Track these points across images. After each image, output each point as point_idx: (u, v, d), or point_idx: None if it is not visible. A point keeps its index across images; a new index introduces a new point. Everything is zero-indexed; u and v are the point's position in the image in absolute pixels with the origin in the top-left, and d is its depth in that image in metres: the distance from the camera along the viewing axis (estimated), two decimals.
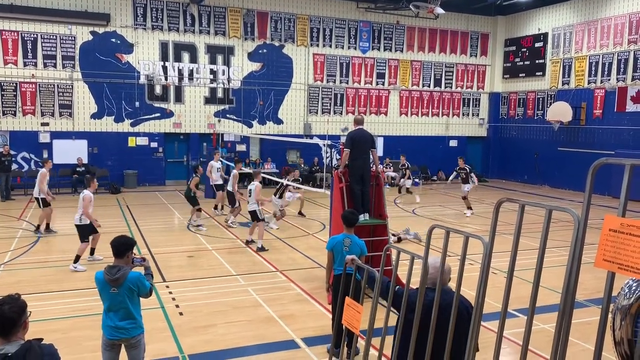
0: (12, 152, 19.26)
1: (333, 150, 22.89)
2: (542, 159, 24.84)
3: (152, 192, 20.33)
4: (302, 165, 23.41)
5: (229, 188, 14.72)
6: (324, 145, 19.63)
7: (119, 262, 4.79)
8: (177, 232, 13.83)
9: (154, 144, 21.91)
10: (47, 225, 13.01)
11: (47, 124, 20.25)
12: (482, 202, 19.19)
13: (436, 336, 3.35)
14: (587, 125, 22.83)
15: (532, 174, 25.50)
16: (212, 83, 22.45)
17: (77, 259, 9.92)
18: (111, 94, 21.00)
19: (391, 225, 10.38)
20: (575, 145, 23.23)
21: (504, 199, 2.84)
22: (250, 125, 23.19)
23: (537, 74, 25.23)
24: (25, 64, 19.73)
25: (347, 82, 24.56)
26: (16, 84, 19.68)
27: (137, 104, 21.37)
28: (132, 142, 21.53)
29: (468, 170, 16.93)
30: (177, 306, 8.14)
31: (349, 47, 24.42)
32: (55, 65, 20.10)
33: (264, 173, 17.74)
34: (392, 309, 3.93)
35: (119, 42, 20.88)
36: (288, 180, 14.75)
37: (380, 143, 23.85)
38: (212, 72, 22.38)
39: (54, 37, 20.01)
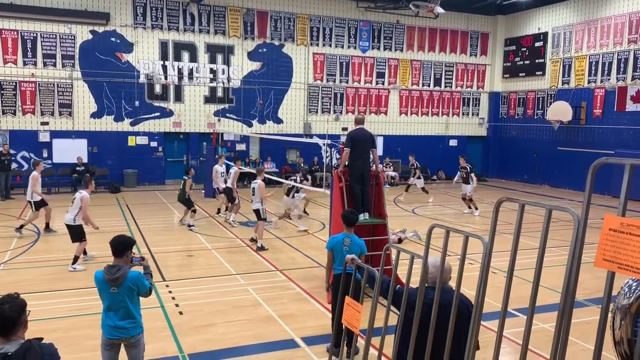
0: (11, 152, 19.27)
1: (333, 149, 22.88)
2: (542, 158, 24.84)
3: (151, 192, 20.33)
4: (302, 165, 23.40)
5: (229, 184, 14.70)
6: (324, 144, 19.62)
7: (118, 262, 4.78)
8: (176, 231, 13.83)
9: (153, 144, 21.91)
10: (47, 224, 12.99)
11: (46, 123, 20.25)
12: (482, 201, 19.19)
13: (437, 335, 3.36)
14: (587, 125, 22.83)
15: (532, 174, 25.50)
16: (212, 82, 22.45)
17: (75, 259, 9.90)
18: (111, 93, 20.99)
19: (391, 224, 10.39)
20: (575, 144, 23.24)
21: (503, 199, 2.84)
22: (250, 125, 23.18)
23: (537, 73, 25.23)
24: (25, 63, 19.72)
25: (347, 82, 24.56)
26: (16, 83, 19.68)
27: (136, 103, 21.37)
28: (131, 141, 21.53)
29: (468, 170, 16.92)
30: (176, 305, 8.14)
31: (348, 47, 24.41)
32: (55, 65, 20.10)
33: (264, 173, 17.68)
34: (393, 308, 3.94)
35: (118, 41, 20.87)
36: (299, 178, 14.61)
37: (380, 142, 23.83)
38: (212, 71, 22.38)
39: (54, 36, 20.00)
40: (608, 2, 21.92)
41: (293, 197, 14.20)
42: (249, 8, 22.55)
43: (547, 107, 24.14)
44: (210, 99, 22.51)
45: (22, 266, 10.17)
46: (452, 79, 26.68)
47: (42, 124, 20.20)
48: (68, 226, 10.01)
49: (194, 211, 14.08)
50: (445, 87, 26.58)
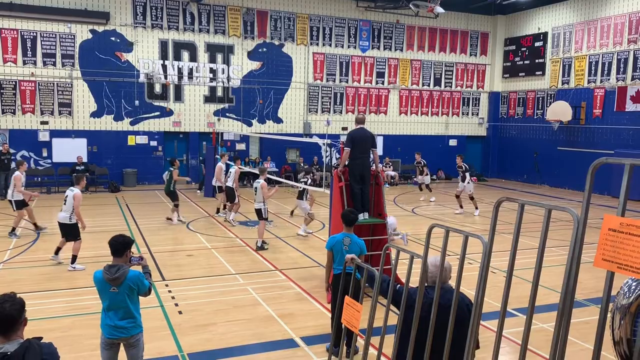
0: (11, 151, 19.26)
1: (332, 149, 22.88)
2: (542, 158, 24.85)
3: (151, 191, 20.33)
4: (302, 165, 23.40)
5: (229, 184, 14.67)
6: (324, 144, 19.62)
7: (117, 261, 4.78)
8: (176, 231, 13.82)
9: (153, 143, 21.91)
10: (35, 224, 12.83)
11: (46, 123, 20.24)
12: (482, 201, 19.19)
13: (437, 334, 3.36)
14: (586, 125, 22.84)
15: (531, 174, 25.51)
16: (212, 82, 22.45)
17: (74, 259, 9.87)
18: (111, 93, 20.99)
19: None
20: (575, 144, 23.24)
21: (503, 199, 2.84)
22: (249, 124, 23.18)
23: (537, 73, 25.23)
24: (24, 63, 19.72)
25: (346, 81, 24.56)
26: (16, 82, 19.67)
27: (136, 102, 21.37)
28: (131, 140, 21.53)
29: (464, 169, 16.92)
30: (176, 305, 8.14)
31: (348, 46, 24.41)
32: (54, 64, 20.09)
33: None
34: (392, 307, 3.94)
35: (118, 40, 20.87)
36: (309, 178, 14.41)
37: (380, 142, 23.83)
38: (212, 70, 22.38)
39: (54, 36, 20.00)
40: (608, 2, 21.92)
41: (306, 199, 13.98)
42: (249, 7, 22.55)
43: (547, 107, 24.14)
44: (210, 98, 22.50)
45: (21, 265, 10.17)
46: (452, 78, 26.69)
47: (42, 123, 20.19)
48: (63, 225, 9.86)
49: (177, 205, 14.26)
50: (445, 87, 26.59)
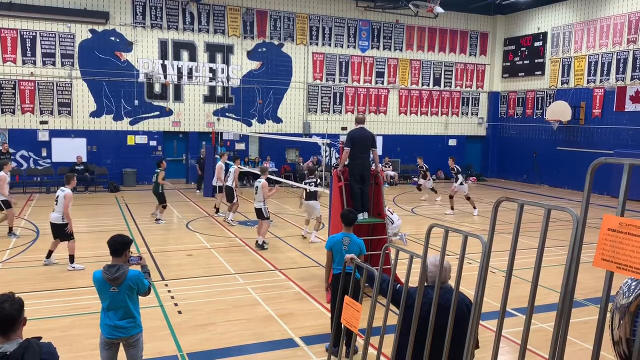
0: (11, 150, 19.25)
1: (332, 149, 22.87)
2: (541, 158, 24.85)
3: (150, 191, 20.27)
4: (301, 164, 23.40)
5: (229, 183, 14.65)
6: (323, 144, 19.62)
7: (117, 261, 4.78)
8: (176, 230, 13.83)
9: (153, 143, 21.89)
10: (10, 229, 12.52)
11: (46, 122, 20.23)
12: (481, 201, 19.20)
13: (436, 334, 3.36)
14: (586, 125, 22.85)
15: (531, 173, 25.51)
16: (212, 81, 22.44)
17: (72, 258, 9.85)
18: (110, 93, 20.98)
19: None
20: (574, 144, 23.25)
21: (503, 198, 2.84)
22: (249, 124, 23.18)
23: (537, 73, 25.24)
24: (24, 62, 19.70)
25: (346, 81, 24.56)
26: (15, 82, 19.66)
27: (136, 102, 21.36)
28: (131, 140, 21.52)
29: (457, 171, 16.97)
30: (175, 305, 8.13)
31: (348, 46, 24.41)
32: (54, 64, 20.08)
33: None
34: (392, 307, 3.94)
35: (118, 40, 20.86)
36: (316, 177, 14.16)
37: (379, 142, 23.80)
38: (212, 70, 22.37)
39: (53, 35, 19.99)
40: (607, 2, 21.92)
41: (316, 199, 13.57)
42: (249, 7, 22.54)
43: (547, 107, 24.15)
44: (210, 98, 22.50)
45: (21, 265, 10.16)
46: (451, 78, 26.69)
47: (41, 122, 20.18)
48: (55, 225, 9.84)
49: (164, 206, 14.50)
50: (445, 86, 26.59)
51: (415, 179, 20.89)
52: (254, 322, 7.52)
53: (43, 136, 20.21)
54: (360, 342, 6.15)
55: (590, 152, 21.81)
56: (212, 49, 22.23)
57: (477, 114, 27.60)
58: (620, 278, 2.27)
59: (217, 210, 15.73)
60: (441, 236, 3.31)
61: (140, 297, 4.92)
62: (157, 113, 21.81)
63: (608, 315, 2.29)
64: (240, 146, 23.40)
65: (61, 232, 9.86)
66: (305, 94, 23.93)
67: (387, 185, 21.67)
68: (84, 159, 20.46)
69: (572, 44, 23.43)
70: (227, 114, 22.83)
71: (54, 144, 20.39)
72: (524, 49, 25.86)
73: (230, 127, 22.78)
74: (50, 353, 2.96)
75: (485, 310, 3.58)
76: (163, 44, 21.52)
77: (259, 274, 9.94)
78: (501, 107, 27.45)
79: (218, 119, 22.63)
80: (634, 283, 2.35)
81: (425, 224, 14.26)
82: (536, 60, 25.22)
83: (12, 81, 19.62)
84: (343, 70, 24.44)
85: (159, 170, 14.49)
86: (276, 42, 23.16)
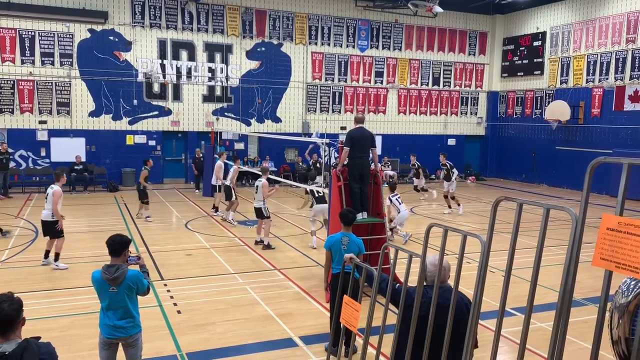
0: (9, 150, 19.23)
1: (331, 148, 22.87)
2: (540, 157, 24.87)
3: (149, 191, 20.27)
4: (300, 164, 23.41)
5: (227, 182, 14.65)
6: (322, 143, 19.60)
7: (116, 261, 4.77)
8: (175, 230, 13.82)
9: (152, 142, 21.88)
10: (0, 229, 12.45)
11: (44, 122, 20.21)
12: (480, 200, 19.21)
13: (435, 333, 3.36)
14: (585, 124, 22.87)
15: (530, 173, 25.53)
16: (211, 81, 22.43)
17: (57, 256, 9.87)
18: (109, 92, 20.97)
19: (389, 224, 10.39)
20: (573, 144, 23.27)
21: (502, 198, 2.84)
22: (248, 124, 23.17)
23: (536, 72, 25.25)
24: (22, 62, 19.68)
25: (345, 81, 24.56)
26: (14, 81, 19.64)
27: (135, 102, 21.34)
28: (130, 140, 21.50)
29: (449, 167, 16.87)
30: (175, 304, 8.13)
31: (347, 46, 24.40)
32: (53, 63, 20.06)
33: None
34: (391, 307, 3.94)
35: (116, 40, 20.84)
36: (317, 182, 14.06)
37: (378, 142, 23.79)
38: (211, 70, 22.36)
39: (52, 35, 19.97)
40: (606, 1, 21.94)
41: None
42: (248, 7, 22.53)
43: (545, 107, 24.16)
44: (209, 97, 22.49)
45: (19, 265, 10.15)
46: (450, 78, 26.69)
47: (40, 122, 20.16)
48: (45, 222, 9.86)
49: (146, 203, 14.69)
50: (444, 86, 26.59)
51: (416, 181, 20.86)
52: (253, 322, 7.52)
53: (42, 136, 20.19)
54: (359, 341, 6.15)
55: (589, 151, 21.82)
56: (211, 49, 22.22)
57: (476, 114, 27.61)
58: (619, 277, 2.27)
59: (216, 210, 15.73)
60: (440, 235, 3.31)
61: (139, 297, 4.92)
62: (156, 113, 21.79)
63: (607, 314, 2.29)
64: (239, 146, 23.39)
65: (52, 229, 9.87)
66: (304, 93, 23.92)
67: (386, 185, 21.66)
68: (83, 159, 20.44)
69: (571, 43, 23.44)
70: (226, 113, 22.82)
71: (53, 143, 20.37)
72: (523, 48, 25.87)
73: (229, 127, 22.77)
74: (49, 353, 2.96)
75: (485, 310, 3.59)
76: (162, 44, 21.50)
77: (258, 274, 9.94)
78: (500, 106, 27.46)
79: (217, 119, 22.62)
80: (633, 282, 2.35)
81: (424, 224, 14.27)
82: (535, 60, 25.23)
83: (10, 81, 19.60)
84: (342, 69, 24.43)
85: (143, 168, 14.62)
86: (275, 42, 23.16)
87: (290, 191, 20.70)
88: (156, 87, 21.68)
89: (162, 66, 21.59)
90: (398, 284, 4.09)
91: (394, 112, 25.67)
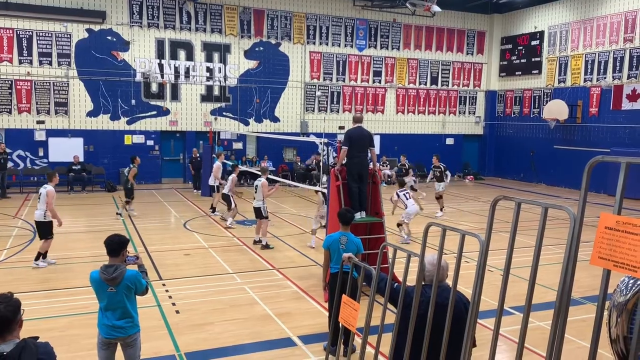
0: (7, 150, 19.20)
1: (330, 148, 22.88)
2: (538, 157, 24.90)
3: (148, 190, 20.29)
4: (299, 163, 23.41)
5: (225, 191, 14.45)
6: (321, 143, 19.60)
7: (114, 261, 4.76)
8: (173, 230, 13.81)
9: (150, 142, 21.86)
10: None
11: (42, 122, 20.18)
12: (479, 199, 19.23)
13: (434, 332, 3.36)
14: (583, 124, 22.90)
15: (528, 172, 25.56)
16: (209, 81, 22.41)
17: (38, 256, 9.86)
18: (107, 92, 20.94)
19: (387, 223, 10.38)
20: (571, 143, 23.30)
21: (500, 197, 2.84)
22: (246, 123, 23.16)
23: (534, 72, 25.28)
24: (20, 62, 19.65)
25: (343, 80, 24.56)
26: (11, 81, 19.60)
27: (133, 101, 21.31)
28: (128, 140, 21.47)
29: (442, 169, 16.72)
30: (173, 304, 8.12)
31: (345, 45, 24.40)
32: (50, 63, 20.03)
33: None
34: (390, 306, 3.94)
35: (114, 39, 20.81)
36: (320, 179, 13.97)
37: (377, 141, 23.82)
38: (209, 69, 22.34)
39: (50, 35, 19.93)
40: (604, 1, 21.97)
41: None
42: (246, 6, 22.52)
43: (544, 106, 24.19)
44: (207, 97, 22.47)
45: (18, 265, 10.13)
46: (448, 77, 26.71)
47: (38, 122, 20.13)
48: (38, 223, 9.86)
49: (128, 202, 14.78)
50: (442, 85, 26.61)
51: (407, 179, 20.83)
52: (251, 322, 7.52)
53: (40, 136, 20.16)
54: (358, 341, 6.16)
55: (587, 150, 21.86)
56: (209, 48, 22.20)
57: (474, 113, 27.63)
58: (618, 276, 2.27)
59: (214, 210, 15.69)
60: (439, 235, 3.31)
61: (137, 296, 4.91)
62: (154, 112, 21.77)
63: (605, 313, 2.30)
64: (237, 145, 23.38)
65: (45, 229, 9.85)
66: (302, 93, 23.91)
67: (384, 185, 21.67)
68: (81, 159, 20.41)
69: (569, 42, 23.47)
70: (224, 113, 22.81)
71: (51, 143, 20.34)
72: (521, 47, 25.90)
73: (228, 127, 22.76)
74: (47, 353, 2.95)
75: (483, 309, 3.59)
76: (160, 44, 21.48)
77: (257, 273, 9.94)
78: (498, 106, 27.48)
79: (215, 119, 22.60)
80: (631, 281, 2.35)
81: (423, 223, 14.26)
82: (533, 59, 25.26)
83: (8, 81, 19.56)
84: (340, 69, 24.43)
85: (131, 166, 14.66)
86: (273, 41, 23.15)
87: (289, 191, 20.70)
88: (154, 87, 21.65)
89: (160, 66, 21.57)
90: (397, 284, 4.09)
91: (392, 112, 25.68)
